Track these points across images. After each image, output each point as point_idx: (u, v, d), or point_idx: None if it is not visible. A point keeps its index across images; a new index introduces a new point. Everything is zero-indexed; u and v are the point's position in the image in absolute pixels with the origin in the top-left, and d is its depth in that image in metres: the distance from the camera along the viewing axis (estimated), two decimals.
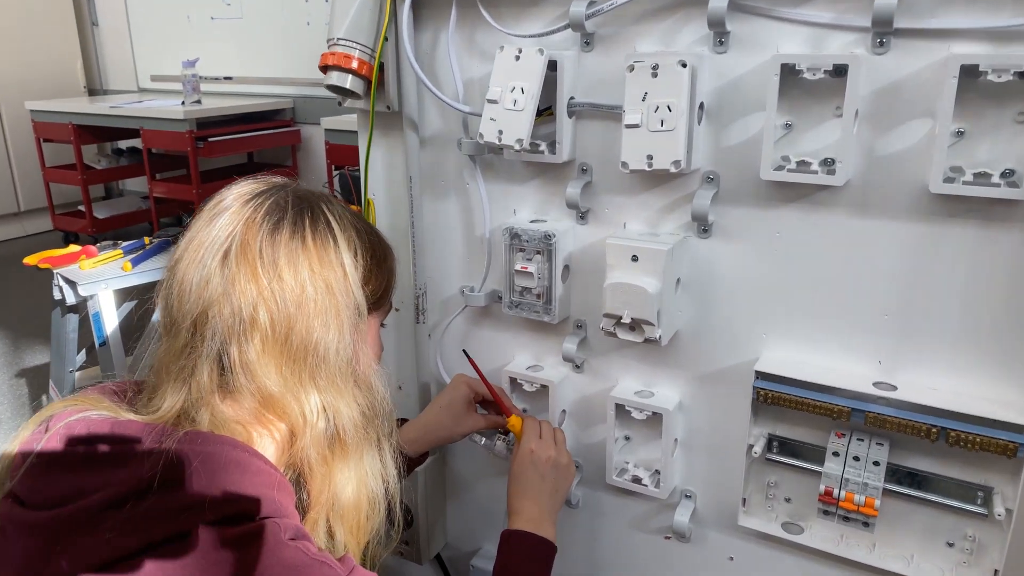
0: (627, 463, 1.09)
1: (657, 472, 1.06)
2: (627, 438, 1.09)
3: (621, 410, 1.05)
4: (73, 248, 1.58)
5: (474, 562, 1.27)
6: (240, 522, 0.62)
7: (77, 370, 1.79)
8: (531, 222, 1.06)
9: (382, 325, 0.87)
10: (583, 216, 1.04)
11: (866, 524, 0.89)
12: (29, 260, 1.52)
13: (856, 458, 0.88)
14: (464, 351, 1.11)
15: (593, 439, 1.14)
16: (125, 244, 1.64)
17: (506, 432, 1.11)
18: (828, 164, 0.85)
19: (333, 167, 3.48)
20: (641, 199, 1.00)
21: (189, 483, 0.62)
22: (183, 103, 4.04)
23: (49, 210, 4.95)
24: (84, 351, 1.82)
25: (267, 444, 0.72)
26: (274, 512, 0.64)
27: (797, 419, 0.96)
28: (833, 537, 0.97)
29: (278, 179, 0.78)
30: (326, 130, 3.49)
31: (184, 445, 0.64)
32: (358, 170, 1.21)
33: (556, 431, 1.06)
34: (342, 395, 0.72)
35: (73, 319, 1.68)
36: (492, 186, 1.10)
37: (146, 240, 1.65)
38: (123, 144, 5.15)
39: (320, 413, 0.71)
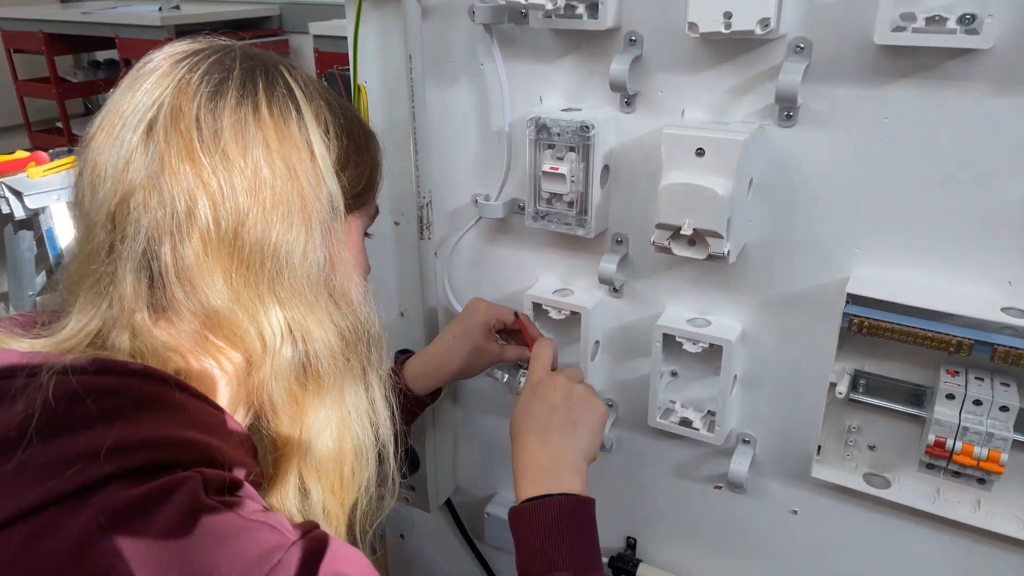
0: (673, 403, 0.92)
1: (711, 414, 0.89)
2: (674, 374, 0.92)
3: (670, 342, 0.87)
4: (21, 154, 1.37)
5: (488, 509, 1.12)
6: (152, 476, 0.45)
7: (37, 294, 1.61)
8: (563, 111, 0.85)
9: (367, 235, 0.68)
10: (629, 102, 0.83)
11: (982, 481, 0.73)
12: None
13: (978, 402, 0.71)
14: (516, 312, 0.93)
15: (631, 375, 0.96)
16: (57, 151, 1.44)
17: None
18: (968, 21, 0.64)
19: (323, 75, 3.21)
20: (705, 78, 0.79)
21: (81, 427, 0.45)
22: (160, 9, 3.76)
23: (25, 127, 4.69)
24: (44, 273, 1.63)
25: (214, 378, 0.54)
26: (204, 460, 0.47)
27: (893, 353, 0.78)
28: (927, 492, 0.80)
29: (224, 39, 0.59)
30: (315, 36, 3.21)
31: (77, 377, 0.46)
32: (348, 69, 1.00)
33: (572, 368, 0.88)
34: (313, 311, 0.55)
35: (27, 236, 1.48)
36: (513, 65, 0.89)
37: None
38: (100, 56, 4.85)
39: (285, 335, 0.54)
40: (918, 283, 0.75)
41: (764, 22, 0.68)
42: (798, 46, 0.73)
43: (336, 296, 0.57)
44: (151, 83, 0.52)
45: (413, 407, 0.93)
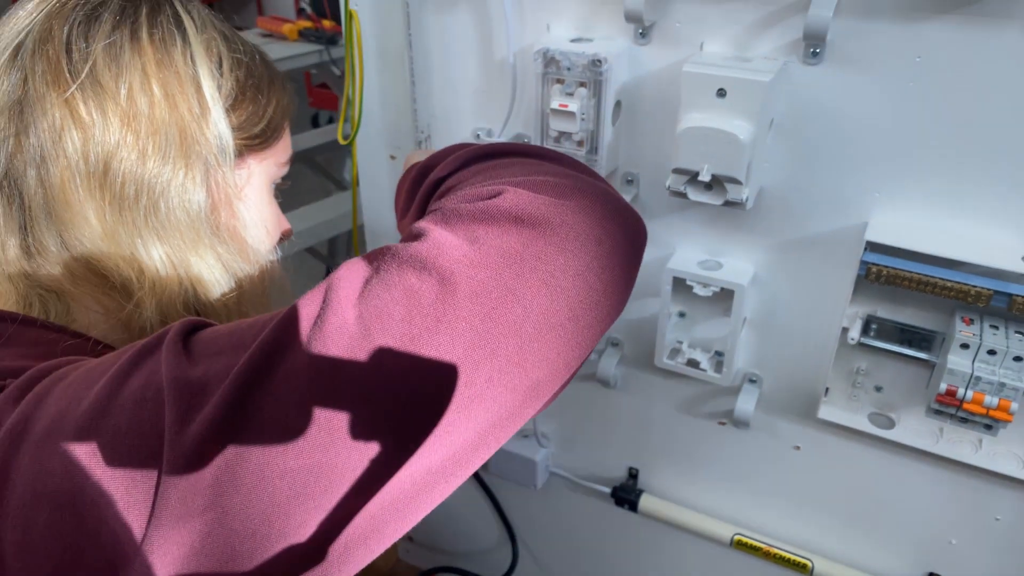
0: (680, 343, 0.92)
1: (719, 354, 0.89)
2: (681, 315, 0.91)
3: (680, 284, 0.85)
4: None
5: None
6: None
7: None
8: (572, 41, 0.80)
9: (278, 190, 0.63)
10: (644, 33, 0.78)
11: (989, 427, 0.74)
12: None
13: (992, 351, 0.71)
14: None
15: (638, 314, 0.95)
16: None
17: None
18: None
19: None
20: (727, 10, 0.73)
21: None
22: None
23: None
24: None
25: (90, 318, 0.52)
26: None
27: (907, 298, 0.77)
28: (931, 432, 0.82)
29: None
30: None
31: None
32: None
33: None
34: (197, 251, 0.52)
35: None
36: None
37: None
38: None
39: (168, 271, 0.51)
40: (938, 229, 0.73)
41: None
42: None
43: (227, 240, 0.54)
44: (27, 9, 0.49)
45: None
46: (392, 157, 1.01)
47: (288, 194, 0.66)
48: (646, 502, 1.05)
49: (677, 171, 0.75)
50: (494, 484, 1.21)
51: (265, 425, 0.35)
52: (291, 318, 0.37)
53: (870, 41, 0.69)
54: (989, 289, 0.69)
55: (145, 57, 0.50)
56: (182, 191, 0.51)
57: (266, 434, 0.35)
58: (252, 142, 0.57)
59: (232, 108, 0.54)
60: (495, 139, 0.89)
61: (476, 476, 1.21)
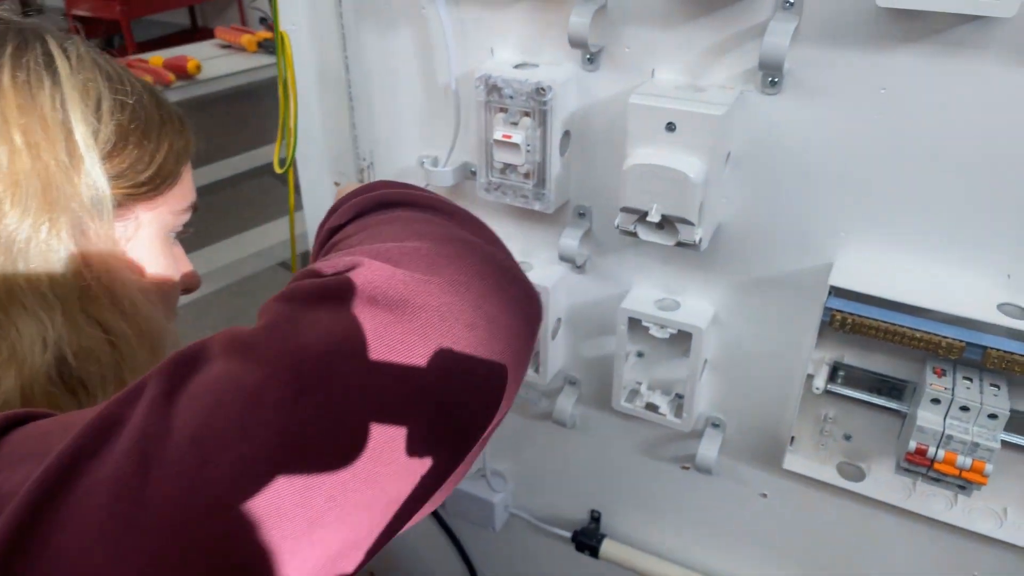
0: (639, 384, 0.86)
1: (679, 397, 0.83)
2: (640, 354, 0.85)
3: (636, 325, 0.80)
4: None
5: None
6: None
7: None
8: (516, 68, 0.74)
9: (180, 236, 0.57)
10: (592, 59, 0.73)
11: (962, 487, 0.68)
12: None
13: (965, 408, 0.65)
14: None
15: (595, 353, 0.89)
16: None
17: None
18: None
19: None
20: (679, 34, 0.68)
21: None
22: None
23: None
24: None
25: None
26: None
27: (876, 345, 0.71)
28: (902, 485, 0.76)
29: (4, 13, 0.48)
30: None
31: None
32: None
33: None
34: (64, 312, 0.46)
35: None
36: (459, 10, 0.77)
37: None
38: None
39: (32, 336, 0.45)
40: (907, 273, 0.67)
41: None
42: (787, 1, 0.62)
43: (103, 300, 0.48)
44: None
45: None
46: (336, 184, 0.96)
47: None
48: (608, 547, 0.99)
49: (626, 210, 0.69)
50: (456, 525, 1.16)
51: (54, 566, 0.29)
52: (103, 418, 0.32)
53: (832, 70, 0.63)
54: (961, 341, 0.63)
55: (5, 102, 0.45)
56: (45, 248, 0.46)
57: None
58: (138, 191, 0.51)
59: (111, 155, 0.49)
60: (440, 169, 0.83)
61: (436, 516, 1.15)
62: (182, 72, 1.34)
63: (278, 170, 0.87)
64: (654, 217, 0.67)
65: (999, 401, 0.64)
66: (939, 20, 0.58)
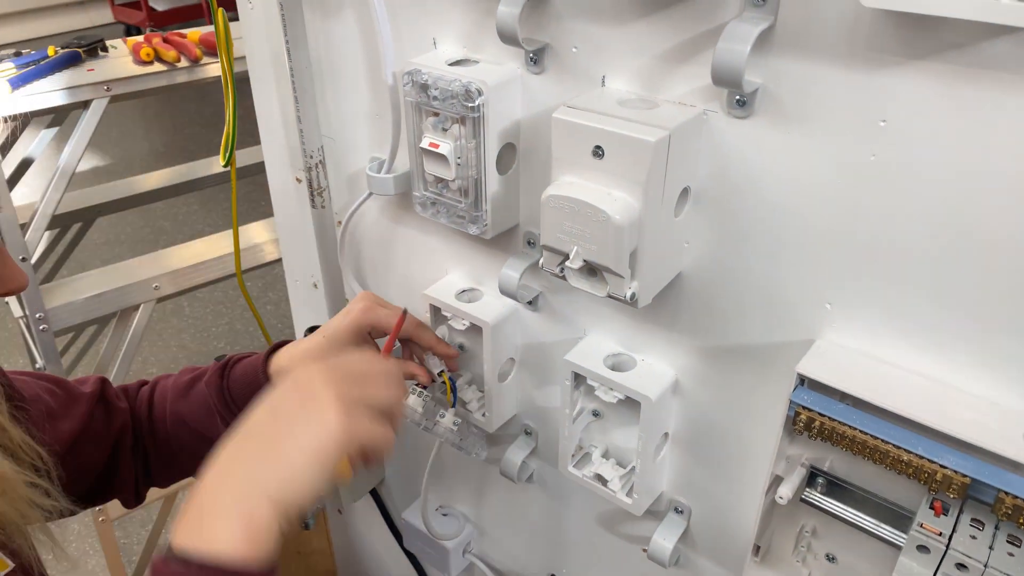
0: (594, 448, 0.72)
1: (633, 471, 0.69)
2: (595, 414, 0.71)
3: (584, 380, 0.66)
4: None
5: (404, 514, 0.97)
6: None
7: None
8: (453, 64, 0.62)
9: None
10: (536, 58, 0.59)
11: None
12: None
13: (962, 567, 0.48)
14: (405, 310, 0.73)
15: (551, 402, 0.76)
16: (28, 55, 1.30)
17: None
18: None
19: None
20: (633, 34, 0.53)
21: None
22: None
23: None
24: None
25: None
26: None
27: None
28: None
29: None
30: None
31: None
32: None
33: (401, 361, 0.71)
34: None
35: None
36: None
37: (50, 50, 1.29)
38: None
39: None
40: (906, 372, 0.50)
41: None
42: None
43: None
44: None
45: None
46: (298, 180, 0.87)
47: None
48: None
49: (547, 248, 0.55)
50: (427, 567, 1.06)
51: None
52: None
53: (816, 92, 0.47)
54: (964, 475, 0.46)
55: None
56: None
57: None
58: None
59: None
60: (381, 175, 0.72)
61: (396, 538, 1.06)
62: (213, 48, 1.31)
63: (222, 163, 0.79)
64: (574, 263, 0.53)
65: (1015, 565, 0.46)
66: (958, 29, 0.40)
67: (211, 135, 3.52)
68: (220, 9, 0.73)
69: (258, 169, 1.79)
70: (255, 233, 1.46)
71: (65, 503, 0.58)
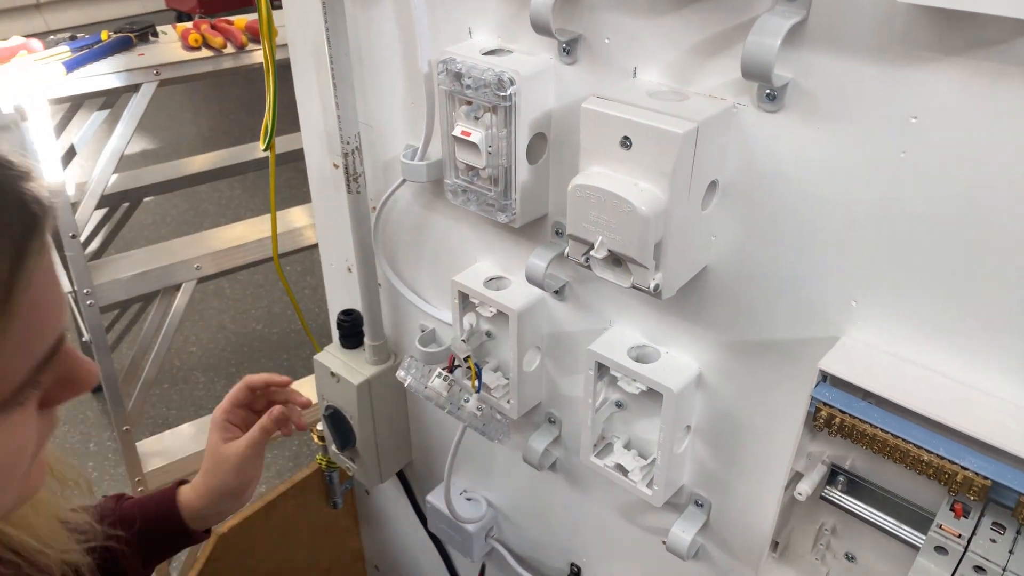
0: (616, 439, 0.73)
1: (654, 462, 0.69)
2: (619, 405, 0.71)
3: (607, 370, 0.67)
4: (15, 40, 1.30)
5: (429, 497, 0.99)
6: None
7: None
8: (487, 53, 0.63)
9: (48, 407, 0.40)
10: (569, 49, 0.60)
11: None
12: None
13: (980, 569, 0.47)
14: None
15: (576, 391, 0.77)
16: (82, 39, 1.34)
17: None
18: None
19: None
20: (665, 27, 0.53)
21: None
22: None
23: None
24: None
25: None
26: None
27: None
28: None
29: None
30: None
31: None
32: None
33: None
34: None
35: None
36: None
37: (103, 35, 1.33)
38: None
39: None
40: (932, 373, 0.50)
41: None
42: None
43: None
44: None
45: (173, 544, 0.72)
46: (335, 165, 0.89)
47: None
48: None
49: (573, 238, 0.56)
50: (451, 550, 1.08)
51: None
52: None
53: (847, 87, 0.47)
54: (985, 477, 0.45)
55: None
56: None
57: None
58: None
59: None
60: (415, 162, 0.74)
61: (420, 518, 1.08)
62: (258, 35, 1.34)
63: (262, 147, 0.82)
64: (599, 252, 0.54)
65: None
66: (994, 28, 0.40)
67: (255, 120, 3.59)
68: (264, 1, 0.75)
69: (299, 155, 1.83)
70: (295, 217, 1.49)
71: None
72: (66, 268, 1.23)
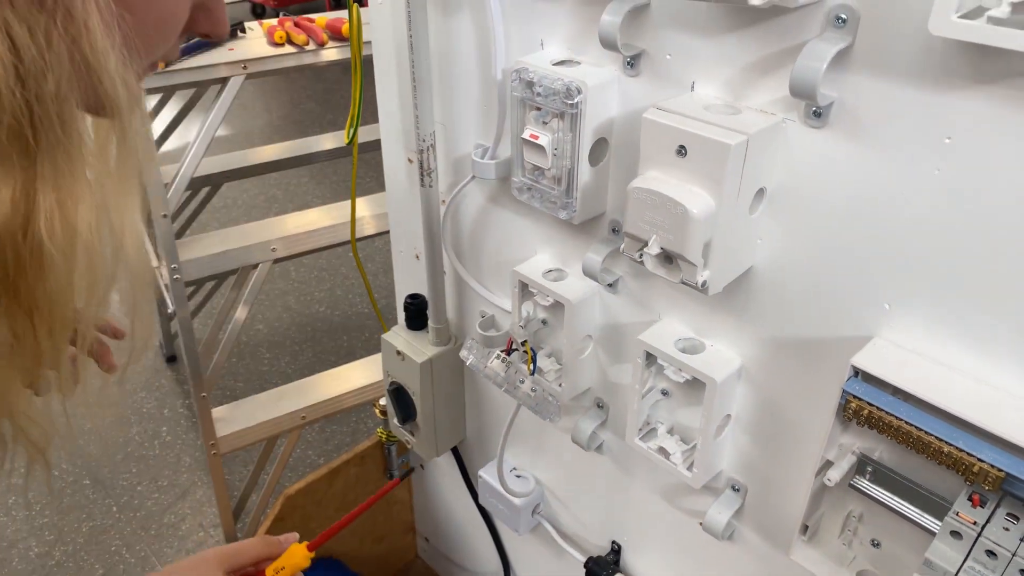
0: (660, 424, 0.78)
1: (695, 448, 0.75)
2: (664, 393, 0.77)
3: (655, 360, 0.72)
4: None
5: (481, 472, 1.06)
6: None
7: None
8: (555, 65, 0.69)
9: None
10: (632, 63, 0.65)
11: None
12: None
13: (991, 554, 0.51)
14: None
15: (624, 378, 0.82)
16: None
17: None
18: None
19: None
20: (722, 46, 0.59)
21: None
22: None
23: None
24: None
25: None
26: None
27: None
28: None
29: None
30: None
31: None
32: None
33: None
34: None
35: None
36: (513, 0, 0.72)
37: None
38: None
39: None
40: (956, 373, 0.54)
41: None
42: (839, 17, 0.51)
43: None
44: None
45: None
46: (409, 160, 0.96)
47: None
48: None
49: (629, 235, 0.62)
50: (498, 522, 1.15)
51: None
52: None
53: (887, 108, 0.51)
54: (1000, 469, 0.50)
55: None
56: None
57: None
58: None
59: None
60: (485, 161, 0.80)
61: (472, 493, 1.15)
62: (337, 33, 1.42)
63: (346, 141, 0.89)
64: (652, 249, 0.59)
65: None
66: (1020, 61, 0.44)
67: (323, 111, 3.72)
68: (355, 5, 0.82)
69: (365, 148, 1.92)
70: (359, 207, 1.57)
71: None
72: (155, 245, 1.33)
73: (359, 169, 1.02)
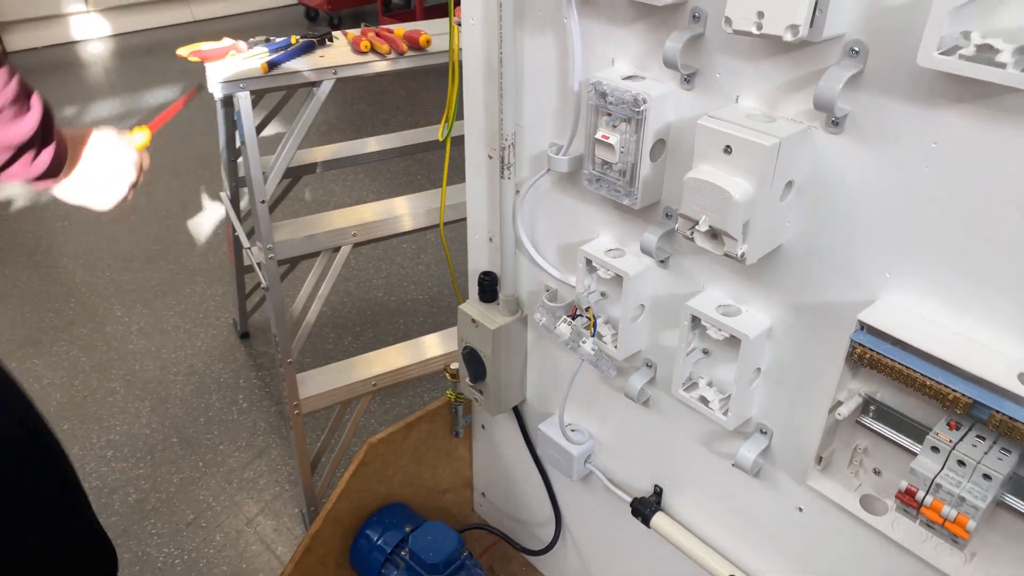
0: (701, 379, 0.94)
1: (730, 397, 0.90)
2: (705, 352, 0.93)
3: (698, 322, 0.88)
4: (227, 41, 1.60)
5: (541, 426, 1.22)
6: None
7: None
8: (624, 79, 0.85)
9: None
10: (689, 79, 0.81)
11: (955, 541, 0.69)
12: (182, 52, 1.57)
13: (961, 463, 0.66)
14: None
15: (670, 342, 0.98)
16: (275, 42, 1.64)
17: (574, 316, 0.99)
18: None
19: None
20: (761, 68, 0.74)
21: None
22: None
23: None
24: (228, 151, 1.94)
25: None
26: None
27: (904, 388, 0.73)
28: (919, 532, 0.77)
29: None
30: None
31: None
32: None
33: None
34: None
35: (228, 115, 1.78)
36: (589, 24, 0.89)
37: (292, 39, 1.63)
38: None
39: None
40: (939, 326, 0.69)
41: (793, 29, 0.63)
42: (853, 49, 0.66)
43: None
44: None
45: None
46: (489, 156, 1.13)
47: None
48: (658, 520, 1.09)
49: (682, 216, 0.78)
50: (550, 470, 1.31)
51: None
52: None
53: (888, 119, 0.67)
54: (968, 397, 0.65)
55: None
56: None
57: None
58: None
59: None
60: (560, 156, 0.97)
61: (531, 450, 1.32)
62: (415, 44, 1.59)
63: (440, 139, 1.06)
64: (702, 227, 0.75)
65: (1000, 465, 0.65)
66: (982, 85, 0.59)
67: (375, 111, 3.92)
68: (456, 26, 0.99)
69: (426, 147, 2.09)
70: (431, 199, 1.75)
71: None
72: (257, 228, 1.52)
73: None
